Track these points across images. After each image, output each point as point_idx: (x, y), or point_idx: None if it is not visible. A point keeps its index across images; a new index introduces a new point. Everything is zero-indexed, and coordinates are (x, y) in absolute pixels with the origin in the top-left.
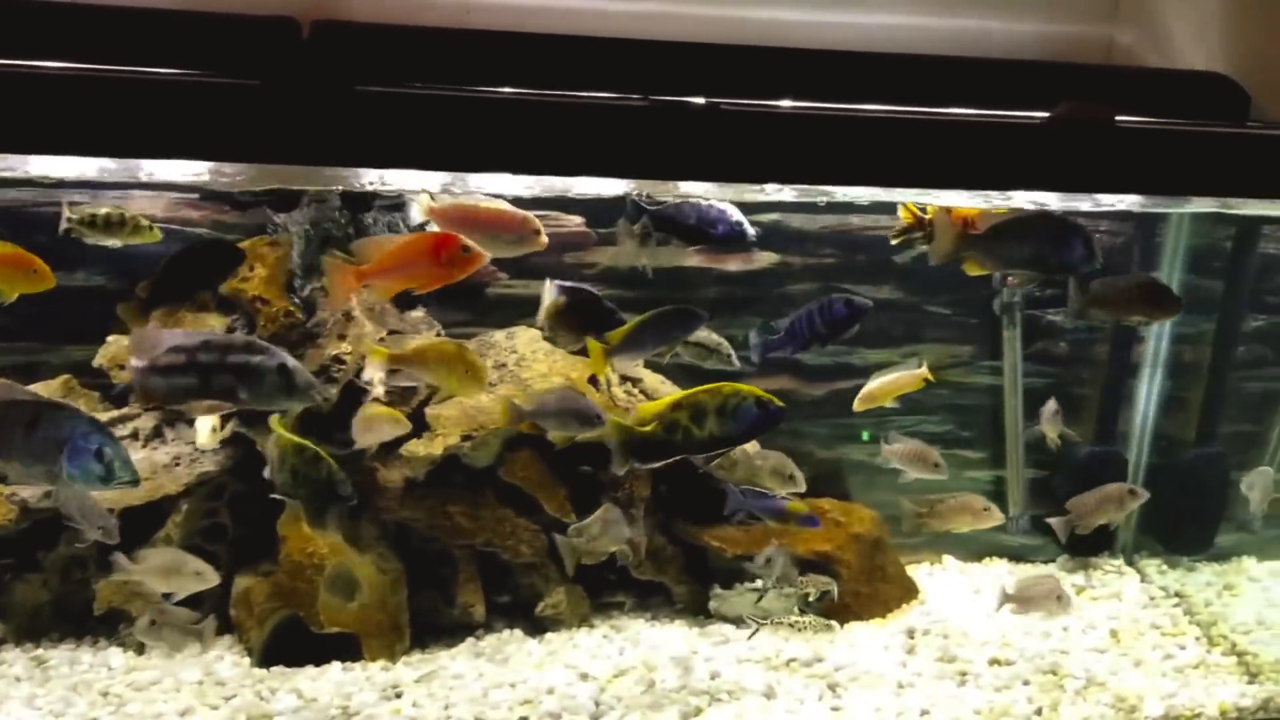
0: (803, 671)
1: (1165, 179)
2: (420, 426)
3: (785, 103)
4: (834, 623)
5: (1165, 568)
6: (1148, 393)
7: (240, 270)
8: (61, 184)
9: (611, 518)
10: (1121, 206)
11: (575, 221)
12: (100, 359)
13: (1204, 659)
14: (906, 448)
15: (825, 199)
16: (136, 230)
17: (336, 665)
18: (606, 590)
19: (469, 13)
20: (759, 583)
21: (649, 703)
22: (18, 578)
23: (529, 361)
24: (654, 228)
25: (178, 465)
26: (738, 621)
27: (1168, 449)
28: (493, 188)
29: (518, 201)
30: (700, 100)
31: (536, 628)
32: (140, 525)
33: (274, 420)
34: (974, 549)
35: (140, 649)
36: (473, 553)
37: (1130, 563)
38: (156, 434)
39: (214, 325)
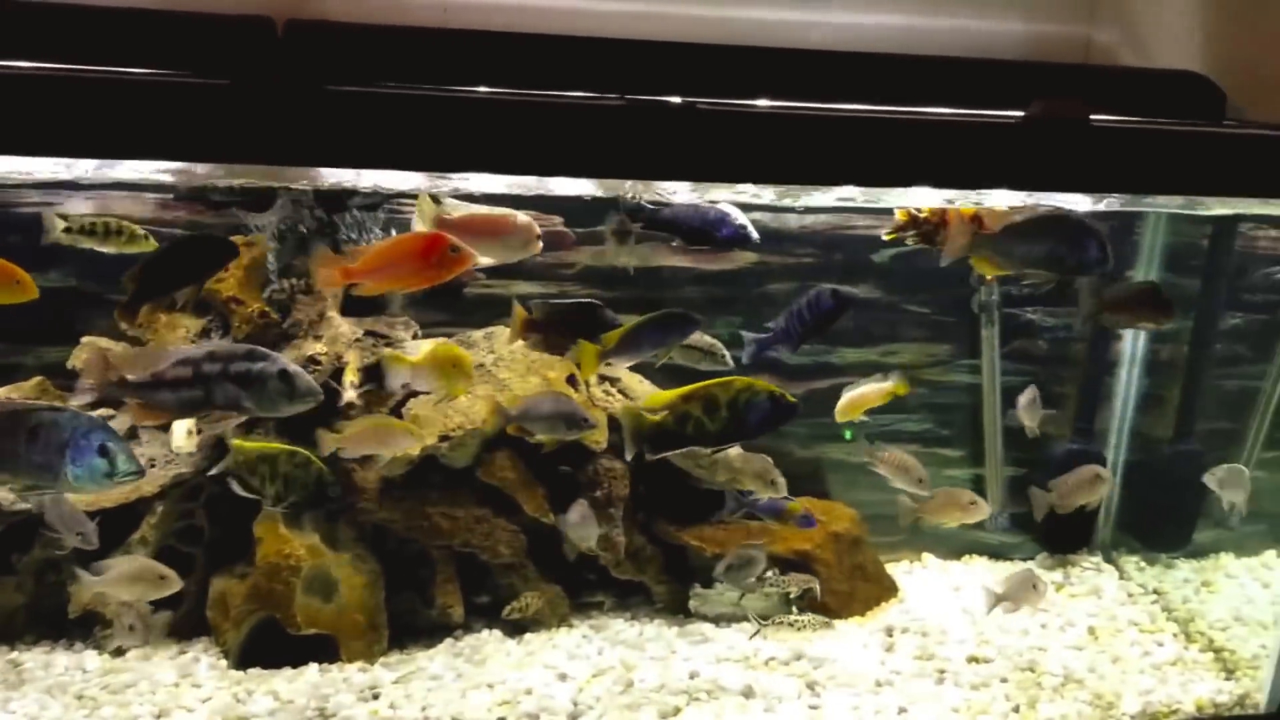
0: (781, 670)
1: (1140, 177)
2: None
3: (762, 102)
4: (832, 620)
5: (1143, 564)
6: (1126, 390)
7: None
8: (23, 185)
9: (573, 518)
10: (1100, 207)
11: (555, 221)
12: (74, 360)
13: (1181, 656)
14: (894, 457)
15: (802, 205)
16: (132, 240)
17: (314, 666)
18: (586, 590)
19: (446, 12)
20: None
21: (627, 703)
22: None
23: (507, 361)
24: (654, 229)
25: (153, 467)
26: (717, 621)
27: (1146, 446)
28: (469, 188)
29: (497, 200)
30: (677, 100)
31: (515, 628)
32: (116, 528)
33: (236, 441)
34: (954, 547)
35: (118, 652)
36: (451, 553)
37: (1109, 559)
38: (132, 436)
39: (188, 326)
